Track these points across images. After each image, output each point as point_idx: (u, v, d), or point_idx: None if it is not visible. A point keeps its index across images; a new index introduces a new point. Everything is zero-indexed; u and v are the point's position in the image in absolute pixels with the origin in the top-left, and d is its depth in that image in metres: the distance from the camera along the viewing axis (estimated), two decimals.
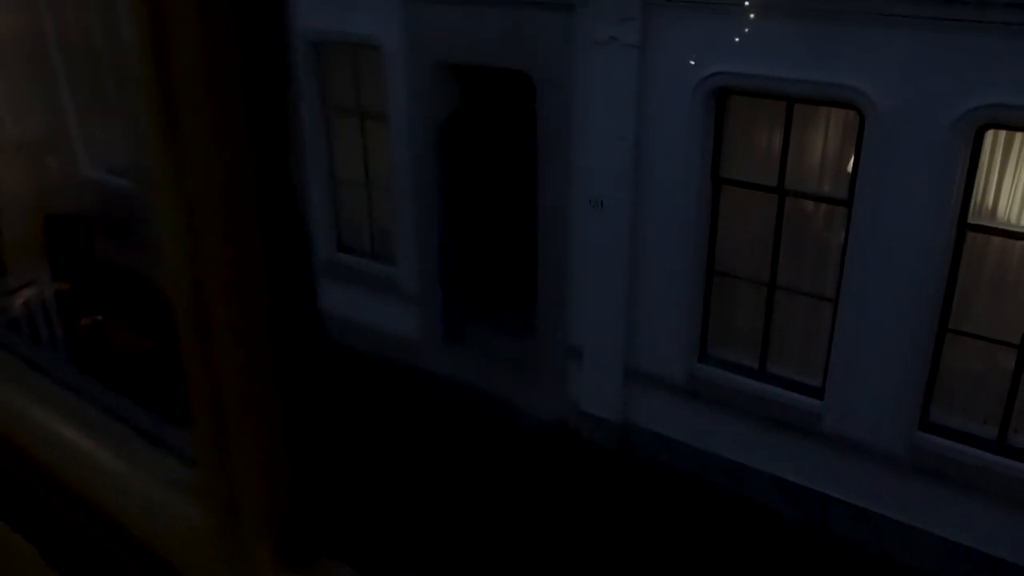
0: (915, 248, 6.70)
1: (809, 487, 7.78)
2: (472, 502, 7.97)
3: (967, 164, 6.44)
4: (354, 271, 10.15)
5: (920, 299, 6.78)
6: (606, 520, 7.90)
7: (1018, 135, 6.41)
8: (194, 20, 0.67)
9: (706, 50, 7.21)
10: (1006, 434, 6.90)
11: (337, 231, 10.44)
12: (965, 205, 6.56)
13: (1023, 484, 6.71)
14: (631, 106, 7.67)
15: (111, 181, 12.98)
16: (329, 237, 10.32)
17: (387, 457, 8.17)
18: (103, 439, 1.07)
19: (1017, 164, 6.48)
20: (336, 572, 0.84)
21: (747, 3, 6.86)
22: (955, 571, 7.18)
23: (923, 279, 6.73)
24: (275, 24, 0.69)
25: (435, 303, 9.81)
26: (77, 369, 1.22)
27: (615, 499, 8.23)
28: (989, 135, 6.41)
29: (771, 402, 7.80)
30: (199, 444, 0.85)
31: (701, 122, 7.42)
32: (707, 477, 8.27)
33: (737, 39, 6.99)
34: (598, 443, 8.85)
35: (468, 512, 7.82)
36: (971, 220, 6.60)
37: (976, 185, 6.53)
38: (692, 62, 7.29)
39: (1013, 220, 6.61)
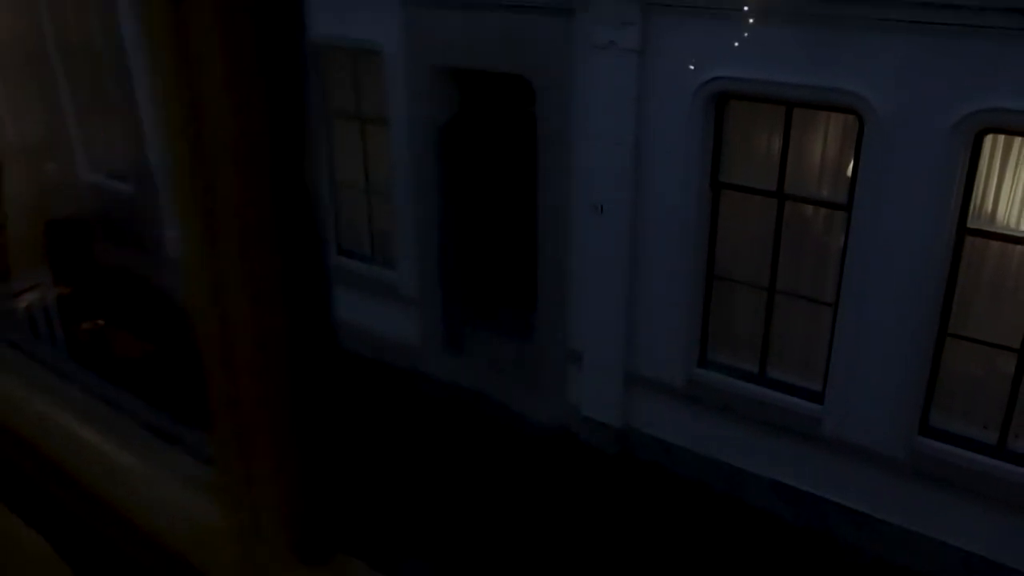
0: (915, 252, 6.71)
1: (809, 491, 7.78)
2: (472, 506, 7.97)
3: (966, 168, 6.46)
4: (354, 275, 10.15)
5: (920, 303, 6.79)
6: (606, 524, 7.90)
7: (1017, 139, 6.42)
8: (215, 27, 0.68)
9: (705, 55, 7.23)
10: (1006, 439, 6.90)
11: (336, 234, 10.45)
12: (964, 209, 6.57)
13: (1023, 488, 6.72)
14: (631, 110, 7.69)
15: (111, 185, 12.99)
16: (328, 240, 10.34)
17: (388, 462, 8.17)
18: (119, 438, 1.08)
19: (1016, 168, 6.50)
20: (351, 568, 0.84)
21: (746, 8, 6.88)
22: None
23: (923, 283, 6.74)
24: (294, 30, 0.70)
25: (435, 307, 9.82)
26: (90, 370, 1.23)
27: (615, 503, 8.22)
28: (988, 139, 6.43)
29: (771, 406, 7.81)
30: (218, 444, 0.85)
31: (701, 126, 7.43)
32: (707, 481, 8.27)
33: (736, 44, 7.01)
34: (598, 447, 8.85)
35: (468, 516, 7.82)
36: (970, 224, 6.61)
37: (975, 189, 6.54)
38: (692, 66, 7.31)
39: (1012, 224, 6.63)
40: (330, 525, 0.85)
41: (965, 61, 6.17)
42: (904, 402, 7.11)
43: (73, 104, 13.14)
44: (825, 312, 7.50)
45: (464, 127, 9.19)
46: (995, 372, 6.91)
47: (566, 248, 8.61)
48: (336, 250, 10.42)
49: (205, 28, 0.68)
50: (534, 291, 9.06)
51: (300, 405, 0.81)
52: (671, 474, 8.49)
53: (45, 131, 12.63)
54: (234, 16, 0.67)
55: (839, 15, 6.55)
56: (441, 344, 9.88)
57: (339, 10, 8.99)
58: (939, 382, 7.06)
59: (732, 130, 7.51)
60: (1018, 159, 6.49)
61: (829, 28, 6.63)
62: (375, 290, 10.06)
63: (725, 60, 7.11)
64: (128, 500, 1.02)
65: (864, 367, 7.20)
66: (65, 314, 8.92)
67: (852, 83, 6.60)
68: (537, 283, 9.01)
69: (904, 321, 6.91)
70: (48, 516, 1.15)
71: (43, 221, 10.22)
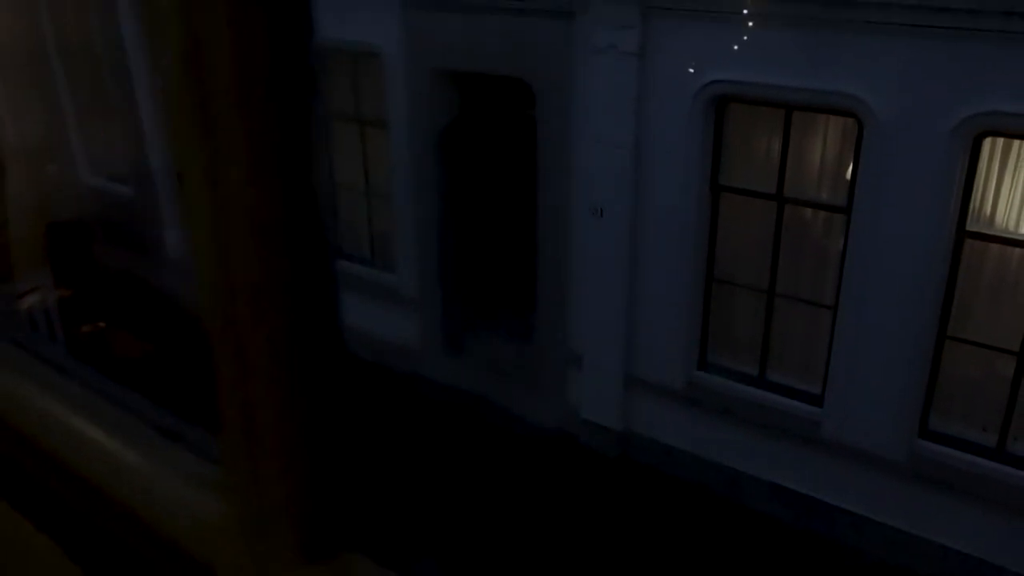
0: (914, 255, 6.72)
1: (809, 494, 7.78)
2: (472, 509, 7.97)
3: (965, 171, 6.47)
4: (353, 278, 10.16)
5: (919, 306, 6.80)
6: (606, 527, 7.90)
7: (1016, 142, 6.44)
8: (226, 30, 0.69)
9: (705, 58, 7.25)
10: (1005, 441, 6.91)
11: (336, 237, 10.45)
12: (964, 212, 6.59)
13: (1022, 491, 6.73)
14: (630, 113, 7.70)
15: (111, 187, 13.01)
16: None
17: (387, 465, 8.17)
18: (124, 436, 1.08)
19: (1015, 171, 6.51)
20: (358, 565, 0.85)
21: (746, 11, 6.89)
22: None
23: (922, 286, 6.75)
24: (303, 32, 0.71)
25: (435, 309, 9.83)
26: (96, 370, 1.24)
27: (615, 506, 8.23)
28: (987, 142, 6.45)
29: (771, 410, 7.81)
30: (226, 442, 0.86)
31: (700, 129, 7.45)
32: (707, 484, 8.28)
33: (736, 47, 7.03)
34: (598, 450, 8.86)
35: (468, 519, 7.82)
36: (969, 227, 6.63)
37: (974, 192, 6.56)
38: (691, 70, 7.32)
39: (1011, 227, 6.64)
40: (336, 523, 0.85)
41: (964, 64, 6.19)
42: (904, 405, 7.11)
43: (73, 106, 13.16)
44: (825, 315, 7.51)
45: (464, 130, 9.20)
46: (994, 375, 6.92)
47: (566, 250, 8.62)
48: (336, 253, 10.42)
49: (215, 30, 0.69)
50: (534, 293, 9.07)
51: (308, 404, 0.82)
52: (671, 477, 8.50)
53: (45, 133, 12.64)
54: (244, 18, 0.68)
55: (838, 18, 6.56)
56: (441, 346, 9.89)
57: (339, 12, 9.00)
58: (938, 385, 7.07)
59: (732, 133, 7.53)
60: (1017, 162, 6.50)
61: (828, 31, 6.65)
62: (375, 293, 10.07)
63: (725, 63, 7.12)
64: (134, 497, 1.03)
65: (864, 370, 7.21)
66: (66, 316, 8.93)
67: (851, 86, 6.62)
68: (537, 285, 9.02)
69: (904, 324, 6.92)
70: (56, 516, 1.16)
71: (44, 223, 10.24)
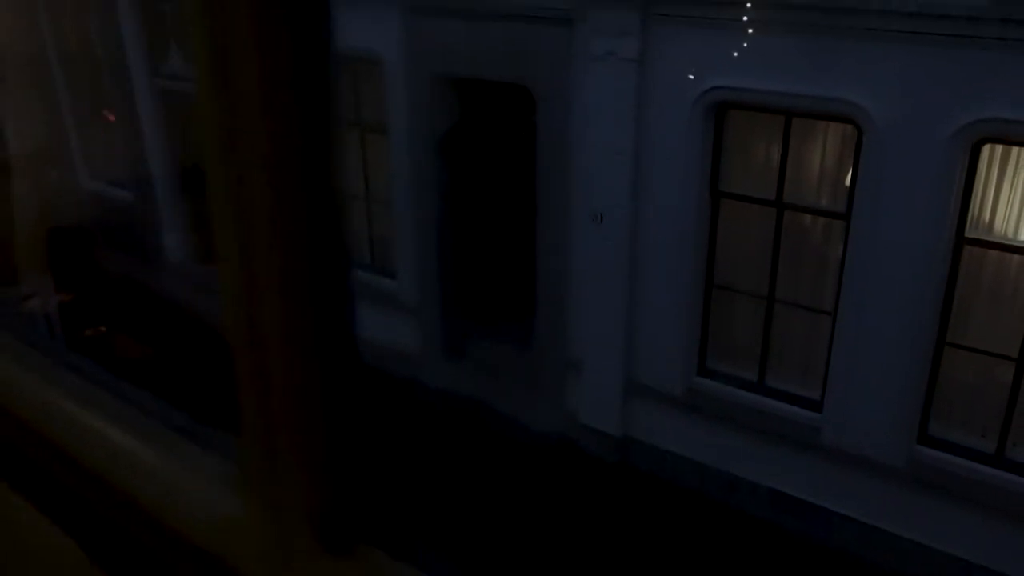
0: (913, 262, 6.75)
1: (808, 500, 7.79)
2: (471, 514, 7.96)
3: (964, 178, 6.49)
4: (353, 283, 10.15)
5: (918, 312, 6.82)
6: (605, 532, 7.90)
7: (1014, 149, 6.47)
8: (251, 39, 0.71)
9: (705, 64, 7.27)
10: (1004, 447, 6.92)
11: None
12: (962, 219, 6.61)
13: (1021, 497, 6.74)
14: (630, 120, 7.72)
15: (111, 192, 13.03)
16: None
17: (387, 469, 8.17)
18: (143, 436, 1.10)
19: (1014, 178, 6.54)
20: (374, 558, 0.87)
21: (745, 18, 6.92)
22: None
23: (921, 292, 6.77)
24: (323, 40, 0.73)
25: (435, 316, 9.83)
26: (110, 371, 1.25)
27: (614, 512, 8.23)
28: (986, 149, 6.47)
29: (770, 415, 7.82)
30: (245, 439, 0.88)
31: (700, 136, 7.47)
32: (706, 490, 8.28)
33: (735, 54, 7.06)
34: (597, 456, 8.86)
35: (467, 524, 7.82)
36: (968, 234, 6.65)
37: (973, 199, 6.58)
38: (691, 76, 7.35)
39: (1010, 234, 6.66)
40: (353, 516, 0.87)
41: (963, 71, 6.21)
42: (903, 411, 7.13)
43: (73, 112, 13.19)
44: (824, 321, 7.52)
45: (464, 136, 9.22)
46: (993, 381, 6.93)
47: (566, 256, 8.63)
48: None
49: (241, 39, 0.71)
50: (534, 299, 9.08)
51: (325, 402, 0.84)
52: (670, 483, 8.50)
53: (46, 138, 12.66)
54: (268, 28, 0.70)
55: (838, 25, 6.59)
56: (441, 352, 9.89)
57: (339, 18, 9.01)
58: (937, 391, 7.08)
59: (731, 139, 7.55)
60: (1016, 169, 6.53)
61: (828, 38, 6.68)
62: (375, 298, 10.07)
63: (724, 70, 7.15)
64: (155, 498, 1.04)
65: (863, 376, 7.22)
66: (67, 320, 8.93)
67: (851, 93, 6.64)
68: (537, 291, 9.03)
69: (903, 330, 6.93)
70: (76, 516, 1.17)
71: (45, 228, 10.26)
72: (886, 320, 6.97)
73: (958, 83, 6.26)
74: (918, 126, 6.47)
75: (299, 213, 0.76)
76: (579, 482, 8.67)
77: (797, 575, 7.61)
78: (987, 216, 6.68)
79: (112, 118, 12.88)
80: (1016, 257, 6.67)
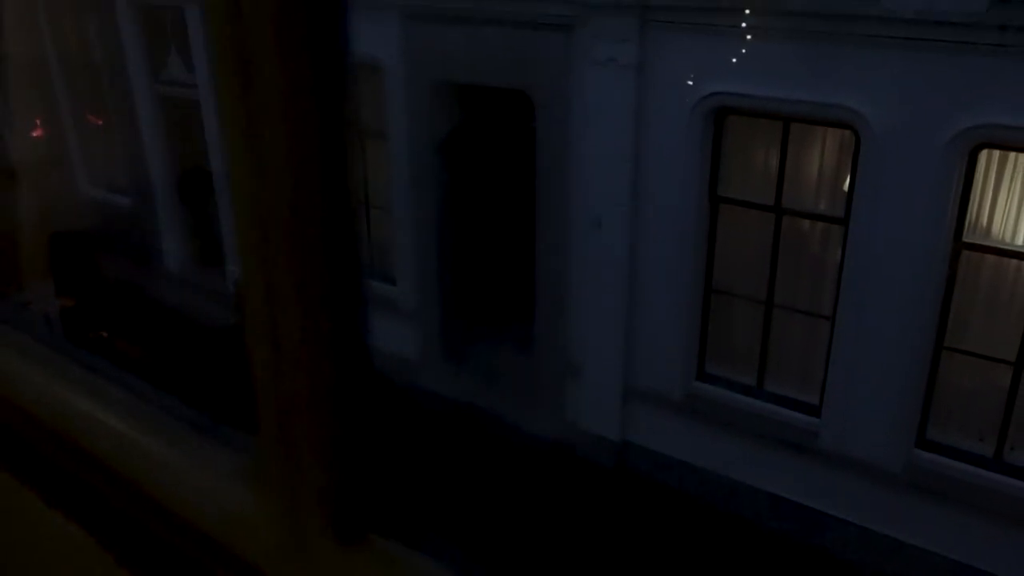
0: (911, 266, 6.77)
1: (807, 505, 7.80)
2: (470, 519, 7.97)
3: (962, 183, 6.53)
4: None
5: (916, 317, 6.85)
6: (603, 537, 7.90)
7: (1012, 154, 6.50)
8: (273, 46, 0.73)
9: (704, 70, 7.31)
10: (1002, 451, 6.95)
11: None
12: (960, 223, 6.64)
13: (1019, 501, 6.76)
14: (630, 125, 7.75)
15: (111, 199, 13.05)
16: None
17: (387, 473, 8.17)
18: (153, 429, 1.12)
19: (1011, 183, 6.57)
20: (387, 547, 0.89)
21: (744, 24, 6.96)
22: None
23: (919, 297, 6.80)
24: (341, 47, 0.75)
25: (434, 322, 9.85)
26: (120, 367, 1.27)
27: (613, 517, 8.23)
28: (983, 154, 6.50)
29: (769, 420, 7.84)
30: (263, 431, 0.90)
31: (699, 141, 7.50)
32: (705, 495, 8.29)
33: (734, 60, 7.09)
34: (596, 460, 8.87)
35: (465, 529, 7.82)
36: (966, 238, 6.68)
37: (971, 204, 6.61)
38: (690, 82, 7.38)
39: (1007, 238, 6.69)
40: (367, 507, 0.89)
41: (961, 77, 6.25)
42: (901, 415, 7.15)
43: (74, 117, 13.22)
44: (822, 325, 7.54)
45: (464, 141, 9.25)
46: (991, 385, 6.96)
47: (565, 261, 8.65)
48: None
49: (263, 45, 0.73)
50: (533, 304, 9.10)
51: (339, 394, 0.86)
52: (668, 487, 8.51)
53: (47, 145, 12.69)
54: (290, 35, 0.73)
55: (836, 32, 6.62)
56: (440, 358, 9.90)
57: None
58: (935, 395, 7.11)
59: (730, 145, 7.58)
60: (1013, 174, 6.56)
61: (826, 44, 6.71)
62: (375, 304, 10.03)
63: (723, 76, 7.18)
64: (168, 490, 1.06)
65: (861, 380, 7.24)
66: (68, 325, 8.96)
67: (849, 99, 6.68)
68: (536, 296, 9.05)
69: (901, 334, 6.96)
70: (89, 509, 1.19)
71: (47, 233, 10.29)
72: (884, 324, 7.00)
73: (956, 89, 6.30)
74: (916, 131, 6.50)
75: (317, 214, 0.78)
76: (577, 486, 8.68)
77: None
78: (985, 221, 6.71)
79: (99, 122, 12.92)
80: (1013, 261, 6.70)
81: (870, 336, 7.09)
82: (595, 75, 7.82)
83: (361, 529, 0.89)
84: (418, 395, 9.83)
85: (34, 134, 12.38)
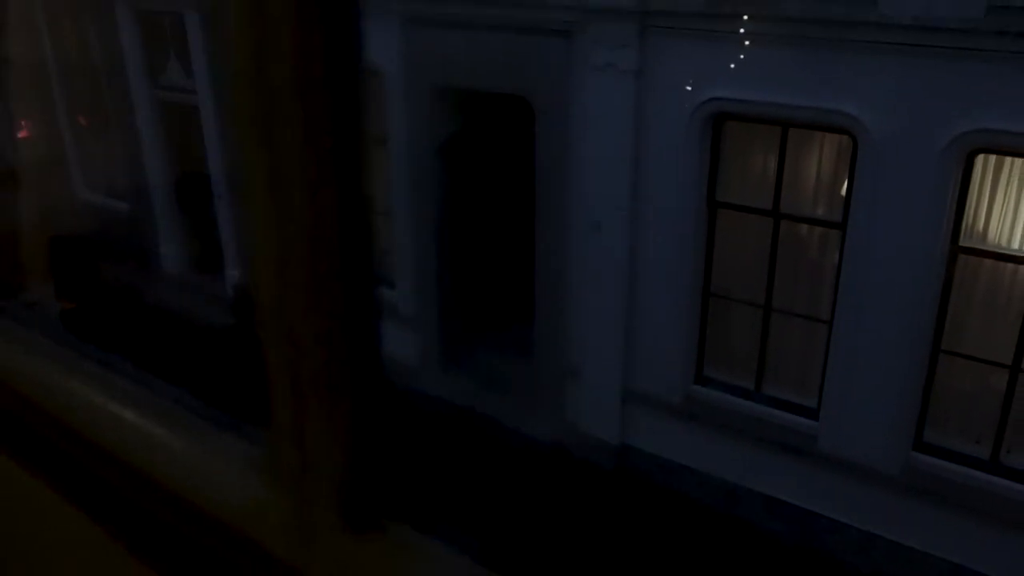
0: (908, 270, 6.80)
1: (805, 507, 7.82)
2: (468, 522, 7.97)
3: (959, 188, 6.55)
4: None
5: (913, 320, 6.87)
6: (602, 540, 7.91)
7: (1008, 159, 6.53)
8: (288, 47, 0.76)
9: (703, 76, 7.33)
10: (999, 454, 6.97)
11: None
12: (957, 228, 6.67)
13: (1016, 504, 6.78)
14: (629, 131, 7.78)
15: (109, 204, 13.05)
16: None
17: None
18: (166, 421, 1.14)
19: (1007, 187, 6.60)
20: (400, 533, 0.91)
21: (743, 31, 6.99)
22: None
23: (916, 301, 6.82)
24: (354, 49, 0.78)
25: (433, 326, 9.85)
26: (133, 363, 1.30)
27: (612, 519, 8.24)
28: (980, 159, 6.53)
29: (767, 423, 7.86)
30: (276, 424, 0.92)
31: (698, 146, 7.53)
32: (703, 498, 8.30)
33: (733, 65, 7.12)
34: (595, 463, 8.88)
35: (464, 532, 7.82)
36: (963, 243, 6.71)
37: (967, 208, 6.64)
38: (689, 88, 7.41)
39: (1004, 243, 6.72)
40: (380, 494, 0.91)
41: (958, 83, 6.27)
42: (898, 418, 7.17)
43: (71, 122, 13.22)
44: (820, 329, 7.57)
45: (463, 147, 9.26)
46: (987, 388, 6.98)
47: (564, 265, 8.67)
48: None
49: (277, 47, 0.76)
50: (532, 308, 9.11)
51: (352, 387, 0.89)
52: (667, 490, 8.52)
53: (46, 149, 12.70)
54: (304, 37, 0.75)
55: (834, 38, 6.65)
56: (439, 363, 9.90)
57: None
58: (933, 398, 7.13)
59: (729, 150, 7.61)
60: (1009, 178, 6.59)
61: (824, 50, 6.74)
62: None
63: (722, 81, 7.21)
64: (180, 479, 1.08)
65: (859, 384, 7.26)
66: (69, 328, 8.96)
67: (847, 104, 6.71)
68: (535, 300, 9.06)
69: (898, 338, 6.98)
70: (102, 501, 1.21)
71: (47, 236, 10.30)
72: (882, 328, 7.02)
73: (953, 94, 6.32)
74: (913, 137, 6.53)
75: (331, 212, 0.80)
76: (576, 489, 8.68)
77: None
78: (981, 225, 6.74)
79: (85, 123, 12.93)
80: (1010, 266, 6.72)
81: (868, 340, 7.12)
82: (595, 80, 7.85)
83: (374, 517, 0.91)
84: (417, 398, 9.83)
85: (20, 135, 12.41)
